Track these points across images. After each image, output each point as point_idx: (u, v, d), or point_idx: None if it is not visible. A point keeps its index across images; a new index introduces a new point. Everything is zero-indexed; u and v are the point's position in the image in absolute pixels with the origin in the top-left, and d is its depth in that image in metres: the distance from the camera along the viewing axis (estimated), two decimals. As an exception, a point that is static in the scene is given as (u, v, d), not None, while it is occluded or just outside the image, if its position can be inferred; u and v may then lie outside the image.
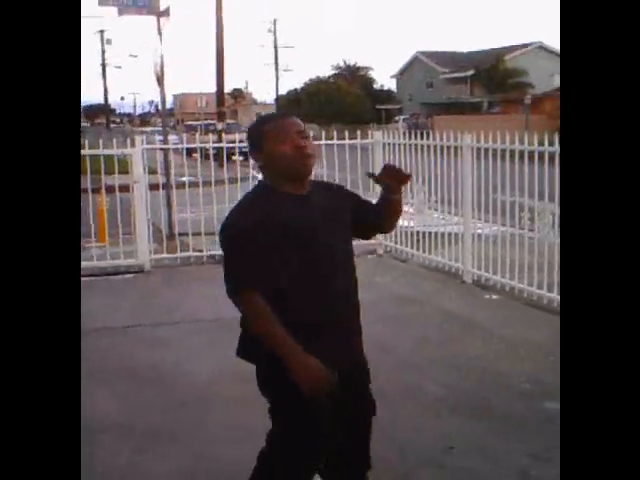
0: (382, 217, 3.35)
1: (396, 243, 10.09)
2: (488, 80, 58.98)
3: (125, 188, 9.88)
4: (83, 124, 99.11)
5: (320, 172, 10.35)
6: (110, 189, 10.12)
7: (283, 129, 3.02)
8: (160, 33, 12.01)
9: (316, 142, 10.12)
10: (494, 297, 8.01)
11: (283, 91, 78.00)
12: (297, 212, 3.00)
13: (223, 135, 11.77)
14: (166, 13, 12.08)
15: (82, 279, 8.76)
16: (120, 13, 12.20)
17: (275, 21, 73.65)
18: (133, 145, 9.64)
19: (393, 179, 3.23)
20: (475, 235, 8.76)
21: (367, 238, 3.68)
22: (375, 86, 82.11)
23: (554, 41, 62.33)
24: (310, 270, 3.01)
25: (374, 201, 3.39)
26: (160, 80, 12.14)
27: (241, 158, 12.60)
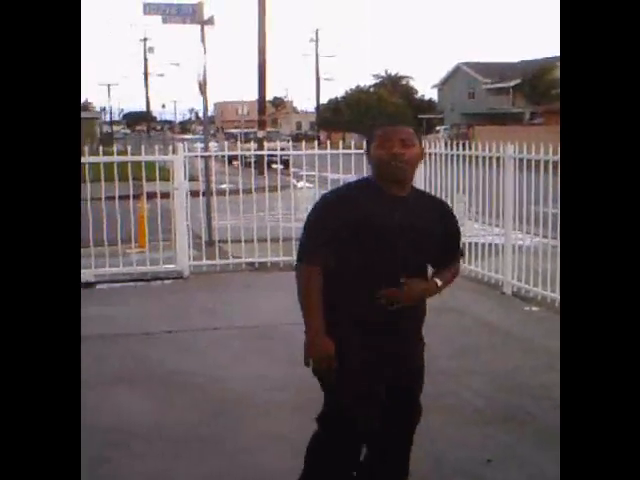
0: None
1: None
2: (531, 91, 58.58)
3: (166, 195, 9.95)
4: (124, 131, 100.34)
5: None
6: (151, 195, 10.20)
7: (387, 136, 3.34)
8: (203, 42, 12.11)
9: (356, 151, 10.14)
10: (534, 309, 7.93)
11: (324, 100, 78.13)
12: (380, 210, 3.32)
13: (264, 143, 11.80)
14: (210, 22, 12.17)
15: (122, 284, 8.88)
16: (164, 22, 12.31)
17: (317, 30, 73.78)
18: (175, 152, 9.69)
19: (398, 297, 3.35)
20: (516, 246, 8.69)
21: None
22: (416, 96, 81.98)
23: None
24: (369, 264, 3.31)
25: None
26: (202, 88, 12.23)
27: (281, 166, 12.66)
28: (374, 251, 3.31)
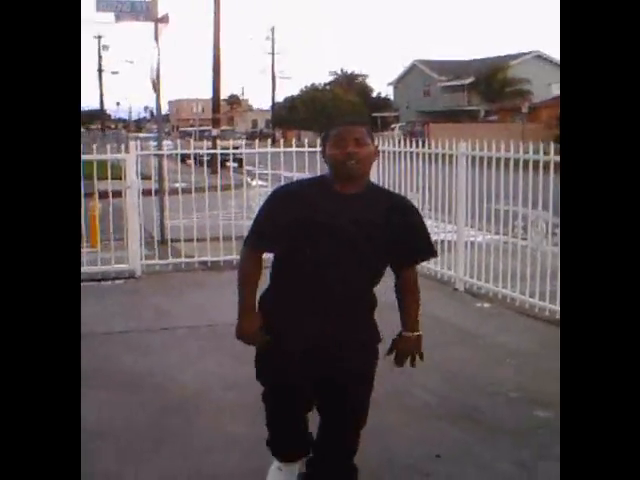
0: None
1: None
2: (486, 88, 59.08)
3: (118, 194, 9.85)
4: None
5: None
6: (103, 194, 10.09)
7: (341, 135, 3.43)
8: (157, 39, 12.01)
9: (310, 149, 10.13)
10: (486, 305, 8.00)
11: (280, 98, 78.08)
12: (329, 207, 3.44)
13: (217, 141, 11.74)
14: (164, 20, 12.07)
15: (73, 284, 8.72)
16: (117, 19, 12.18)
17: (273, 28, 73.73)
18: (127, 151, 9.60)
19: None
20: (468, 243, 8.74)
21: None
22: (372, 94, 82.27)
23: (551, 50, 62.55)
24: (317, 260, 3.45)
25: None
26: (156, 86, 12.13)
27: (235, 165, 12.60)
28: (321, 247, 3.43)
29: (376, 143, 3.64)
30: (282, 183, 9.95)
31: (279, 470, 3.94)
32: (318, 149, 10.11)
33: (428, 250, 3.73)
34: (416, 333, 3.73)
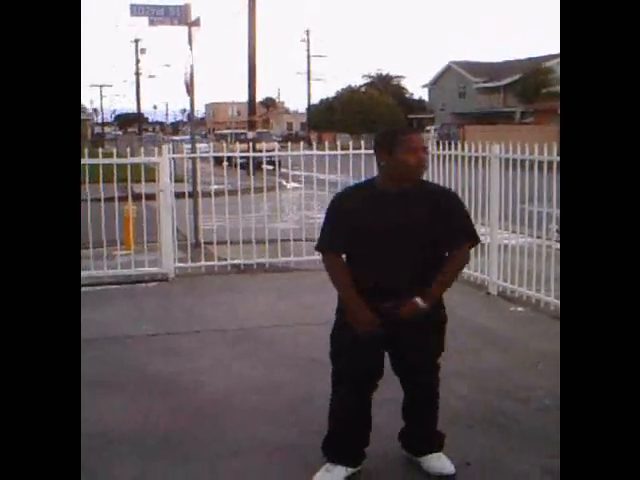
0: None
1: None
2: (522, 90, 58.68)
3: (152, 196, 9.90)
4: (116, 132, 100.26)
5: (346, 180, 10.34)
6: (137, 197, 10.14)
7: (414, 143, 3.77)
8: (191, 43, 12.07)
9: (343, 152, 10.10)
10: (519, 309, 7.90)
11: (315, 100, 78.15)
12: (381, 206, 3.81)
13: (250, 144, 11.79)
14: (197, 23, 12.13)
15: (107, 287, 8.83)
16: (151, 23, 12.26)
17: (308, 31, 73.85)
18: (160, 154, 9.64)
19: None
20: (502, 246, 8.66)
21: None
22: (407, 95, 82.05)
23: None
24: (369, 251, 3.85)
25: None
26: (190, 89, 12.19)
27: (271, 167, 12.61)
28: (379, 243, 3.82)
29: None
30: (314, 185, 10.10)
31: (327, 472, 4.09)
32: (351, 152, 10.15)
33: (471, 233, 3.99)
34: (423, 304, 3.85)
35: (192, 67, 12.14)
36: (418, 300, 3.81)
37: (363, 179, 9.60)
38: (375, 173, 4.01)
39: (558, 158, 7.61)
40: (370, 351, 3.95)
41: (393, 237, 3.79)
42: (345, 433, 4.10)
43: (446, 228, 3.84)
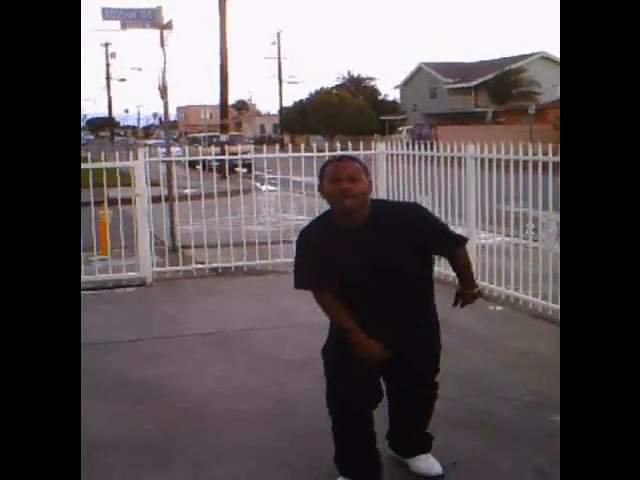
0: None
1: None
2: (493, 90, 59.01)
3: (128, 201, 9.85)
4: (87, 137, 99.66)
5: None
6: (113, 202, 10.09)
7: (336, 172, 3.63)
8: (163, 46, 12.04)
9: (320, 154, 10.09)
10: (498, 308, 7.95)
11: (288, 102, 78.12)
12: (340, 243, 3.66)
13: (226, 147, 11.75)
14: (169, 26, 12.12)
15: (84, 292, 8.75)
16: (123, 27, 12.23)
17: (279, 33, 73.75)
18: (136, 158, 9.59)
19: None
20: (479, 246, 8.70)
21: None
22: (379, 97, 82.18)
23: (557, 51, 62.38)
24: (346, 288, 3.72)
25: None
26: (163, 92, 12.16)
27: (245, 170, 12.59)
28: (350, 280, 3.71)
29: (370, 178, 3.75)
30: (291, 187, 10.08)
31: None
32: (327, 153, 10.15)
33: (454, 238, 3.98)
34: (476, 289, 4.08)
35: (165, 70, 12.12)
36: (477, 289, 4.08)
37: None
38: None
39: (534, 157, 7.67)
40: (370, 378, 3.88)
41: (367, 282, 3.69)
42: (348, 449, 4.01)
43: (433, 242, 3.82)
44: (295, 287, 3.86)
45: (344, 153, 9.94)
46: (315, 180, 9.81)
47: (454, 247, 3.94)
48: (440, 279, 8.89)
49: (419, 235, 3.72)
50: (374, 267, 3.65)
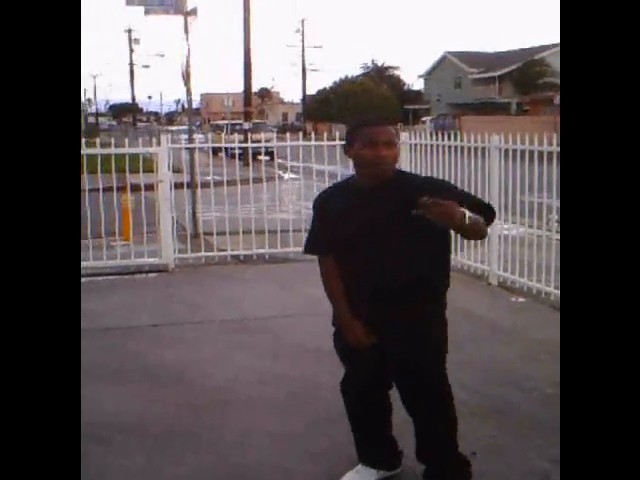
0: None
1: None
2: (518, 80, 58.67)
3: (150, 187, 9.88)
4: (110, 122, 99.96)
5: (345, 172, 10.31)
6: (135, 188, 10.12)
7: (373, 137, 3.46)
8: (187, 33, 12.04)
9: (341, 142, 10.05)
10: (520, 300, 7.92)
11: (312, 91, 78.02)
12: (359, 205, 3.54)
13: (249, 135, 11.77)
14: (193, 13, 12.11)
15: (106, 277, 8.81)
16: (146, 13, 12.24)
17: (303, 21, 73.68)
18: (158, 144, 9.62)
19: (434, 213, 3.15)
20: (502, 236, 8.66)
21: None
22: (404, 86, 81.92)
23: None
24: (352, 252, 3.60)
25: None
26: (186, 79, 12.16)
27: (267, 158, 12.57)
28: (362, 243, 3.56)
29: (402, 139, 3.60)
30: (314, 175, 10.08)
31: (356, 473, 3.99)
32: (343, 145, 10.11)
33: (481, 203, 3.57)
34: (468, 213, 3.22)
35: (188, 57, 12.12)
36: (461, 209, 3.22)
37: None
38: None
39: (558, 149, 7.62)
40: (367, 362, 3.76)
41: (371, 236, 3.52)
42: (363, 437, 4.00)
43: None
44: (303, 252, 3.90)
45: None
46: (339, 169, 9.86)
47: (485, 215, 3.41)
48: (463, 269, 8.89)
49: (441, 194, 3.23)
50: (376, 221, 3.49)
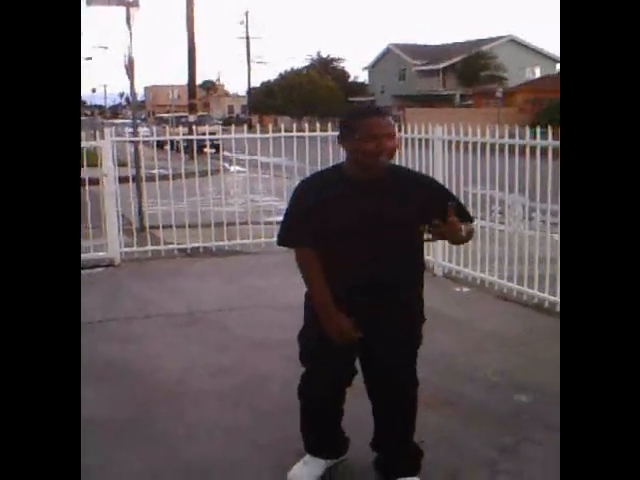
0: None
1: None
2: (461, 73, 59.12)
3: (95, 181, 9.77)
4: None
5: (290, 164, 10.34)
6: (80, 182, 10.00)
7: (375, 129, 3.36)
8: (129, 24, 11.91)
9: (287, 134, 10.08)
10: (464, 290, 8.03)
11: (256, 83, 77.76)
12: (348, 196, 3.44)
13: (193, 127, 11.72)
14: (135, 4, 11.98)
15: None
16: (89, 4, 12.06)
17: (247, 12, 73.33)
18: (102, 137, 9.52)
19: (441, 235, 3.39)
20: (446, 228, 8.73)
21: None
22: (348, 78, 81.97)
23: (525, 34, 62.56)
24: (345, 243, 3.47)
25: None
26: (129, 72, 12.05)
27: (212, 151, 12.53)
28: (349, 236, 3.47)
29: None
30: (259, 168, 10.08)
31: (304, 464, 3.99)
32: (294, 134, 10.15)
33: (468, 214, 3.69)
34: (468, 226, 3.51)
35: (131, 49, 12.02)
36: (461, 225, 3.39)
37: (307, 161, 9.71)
38: (317, 155, 3.86)
39: (500, 140, 7.74)
40: (342, 357, 3.69)
41: (368, 230, 3.45)
42: (317, 427, 3.98)
43: (437, 206, 3.36)
44: (278, 243, 3.68)
45: (313, 134, 9.97)
46: (282, 161, 9.86)
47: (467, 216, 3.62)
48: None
49: (431, 195, 3.50)
50: (377, 215, 3.45)
